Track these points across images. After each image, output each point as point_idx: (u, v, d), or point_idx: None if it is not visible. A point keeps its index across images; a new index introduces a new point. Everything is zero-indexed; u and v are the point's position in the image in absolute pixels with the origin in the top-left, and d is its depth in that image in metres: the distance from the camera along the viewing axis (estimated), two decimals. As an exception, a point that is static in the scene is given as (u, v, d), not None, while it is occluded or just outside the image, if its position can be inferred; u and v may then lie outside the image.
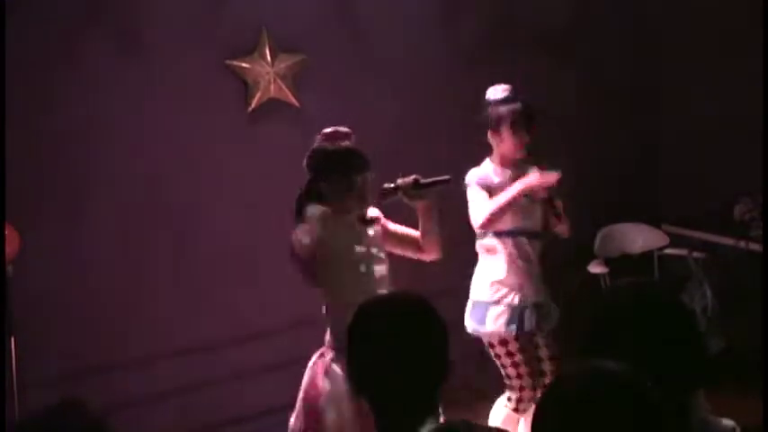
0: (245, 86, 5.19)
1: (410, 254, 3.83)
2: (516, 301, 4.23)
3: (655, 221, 5.68)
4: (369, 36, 5.52)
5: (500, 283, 4.25)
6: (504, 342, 4.25)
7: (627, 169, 6.03)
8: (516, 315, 4.21)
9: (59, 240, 4.82)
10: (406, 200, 3.65)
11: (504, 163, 4.28)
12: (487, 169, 4.28)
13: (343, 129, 3.68)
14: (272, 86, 5.20)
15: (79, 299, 4.86)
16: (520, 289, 4.23)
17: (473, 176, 4.25)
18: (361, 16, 5.50)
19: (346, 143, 3.64)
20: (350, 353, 2.14)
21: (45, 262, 4.75)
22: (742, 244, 5.10)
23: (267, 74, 5.18)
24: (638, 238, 5.53)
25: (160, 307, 5.05)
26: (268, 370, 5.26)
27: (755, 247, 5.03)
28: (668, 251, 5.63)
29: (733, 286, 5.61)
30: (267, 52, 5.17)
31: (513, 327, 4.19)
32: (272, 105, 5.25)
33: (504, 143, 4.26)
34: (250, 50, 5.16)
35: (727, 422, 1.97)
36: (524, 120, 4.22)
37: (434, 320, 2.13)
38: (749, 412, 1.61)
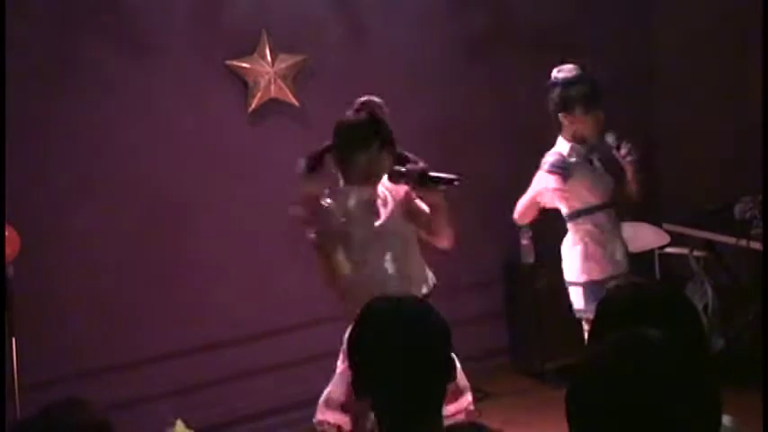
0: (245, 87, 5.19)
1: (423, 234, 3.63)
2: (606, 274, 4.31)
3: (655, 220, 5.67)
4: (369, 36, 5.52)
5: (600, 262, 4.34)
6: None
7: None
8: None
9: (59, 241, 4.82)
10: (413, 190, 3.48)
11: (577, 141, 4.37)
12: (561, 149, 4.37)
13: (373, 98, 3.52)
14: (272, 86, 5.20)
15: (79, 299, 4.87)
16: (616, 264, 4.35)
17: (547, 160, 4.34)
18: (361, 16, 5.50)
19: (363, 117, 3.48)
20: (352, 355, 2.13)
21: (45, 263, 4.76)
22: (743, 242, 5.10)
23: (267, 74, 5.18)
24: (639, 237, 5.51)
25: (160, 307, 5.05)
26: (269, 370, 5.26)
27: (756, 245, 5.02)
28: (669, 250, 5.63)
29: (734, 285, 5.61)
30: (267, 52, 5.17)
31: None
32: (273, 105, 5.25)
33: (579, 124, 4.33)
34: (250, 51, 5.16)
35: (726, 418, 1.97)
36: (597, 98, 4.29)
37: (436, 323, 2.12)
38: (749, 412, 1.61)
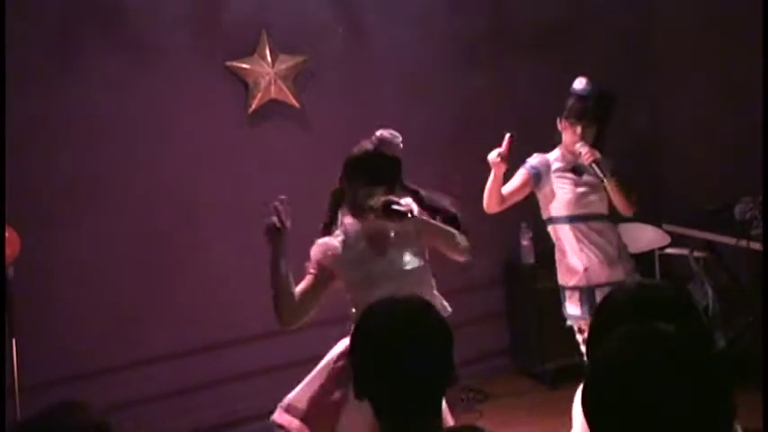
0: (245, 87, 5.19)
1: (442, 251, 3.53)
2: (583, 283, 4.36)
3: (655, 221, 5.67)
4: (369, 36, 5.52)
5: (568, 269, 4.41)
6: (580, 330, 4.39)
7: (627, 169, 6.03)
8: (587, 297, 4.32)
9: (59, 242, 4.82)
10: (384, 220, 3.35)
11: (568, 150, 4.42)
12: (551, 155, 4.46)
13: (387, 135, 3.41)
14: (272, 87, 5.20)
15: (79, 300, 4.87)
16: (584, 271, 4.37)
17: (529, 159, 4.45)
18: (361, 17, 5.50)
19: (364, 151, 3.39)
20: (353, 355, 2.14)
21: (45, 264, 4.76)
22: (743, 243, 5.10)
23: (267, 75, 5.18)
24: (639, 237, 5.51)
25: (160, 308, 5.06)
26: (269, 372, 5.26)
27: (756, 246, 5.02)
28: (669, 251, 5.62)
29: (734, 286, 5.60)
30: (267, 53, 5.17)
31: (586, 308, 4.29)
32: (273, 106, 5.25)
33: (563, 131, 4.43)
34: (250, 51, 5.16)
35: None
36: (578, 114, 4.35)
37: (438, 324, 2.12)
38: (749, 412, 1.61)
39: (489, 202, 4.43)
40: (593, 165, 4.32)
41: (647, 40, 6.20)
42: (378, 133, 3.43)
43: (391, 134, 3.43)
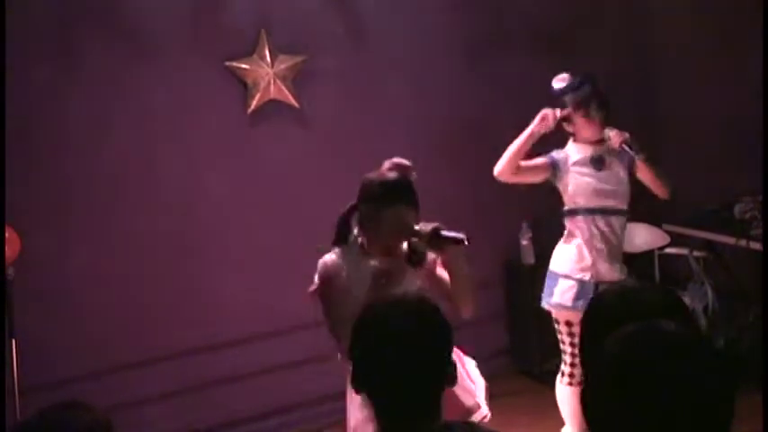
0: (244, 88, 5.19)
1: (445, 303, 3.27)
2: (587, 278, 4.32)
3: (655, 221, 5.67)
4: (369, 37, 5.52)
5: (574, 259, 4.37)
6: (568, 323, 4.35)
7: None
8: (585, 292, 4.27)
9: (59, 242, 4.82)
10: (424, 248, 3.26)
11: (588, 142, 4.41)
12: (567, 148, 4.43)
13: (403, 161, 3.36)
14: (271, 87, 5.20)
15: (79, 301, 4.87)
16: (592, 266, 4.34)
17: (551, 152, 4.40)
18: (361, 17, 5.50)
19: (393, 175, 3.32)
20: (353, 351, 2.15)
21: (45, 264, 4.76)
22: (743, 243, 5.10)
23: (267, 75, 5.18)
24: (639, 237, 5.52)
25: (160, 308, 5.05)
26: (268, 371, 5.26)
27: (756, 245, 5.02)
28: (669, 250, 5.63)
29: (734, 285, 5.61)
30: (267, 53, 5.17)
31: (580, 303, 4.21)
32: (272, 106, 5.25)
33: (580, 129, 4.39)
34: (250, 52, 5.16)
35: None
36: (597, 103, 4.33)
37: (438, 322, 2.13)
38: (749, 412, 1.61)
39: (505, 166, 4.29)
40: (625, 145, 4.30)
41: (647, 40, 6.20)
42: (394, 159, 3.37)
43: (404, 161, 3.39)
